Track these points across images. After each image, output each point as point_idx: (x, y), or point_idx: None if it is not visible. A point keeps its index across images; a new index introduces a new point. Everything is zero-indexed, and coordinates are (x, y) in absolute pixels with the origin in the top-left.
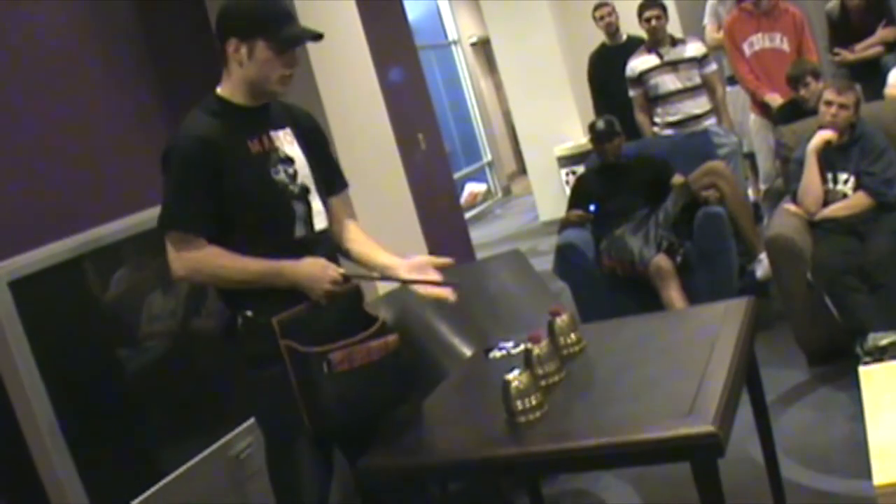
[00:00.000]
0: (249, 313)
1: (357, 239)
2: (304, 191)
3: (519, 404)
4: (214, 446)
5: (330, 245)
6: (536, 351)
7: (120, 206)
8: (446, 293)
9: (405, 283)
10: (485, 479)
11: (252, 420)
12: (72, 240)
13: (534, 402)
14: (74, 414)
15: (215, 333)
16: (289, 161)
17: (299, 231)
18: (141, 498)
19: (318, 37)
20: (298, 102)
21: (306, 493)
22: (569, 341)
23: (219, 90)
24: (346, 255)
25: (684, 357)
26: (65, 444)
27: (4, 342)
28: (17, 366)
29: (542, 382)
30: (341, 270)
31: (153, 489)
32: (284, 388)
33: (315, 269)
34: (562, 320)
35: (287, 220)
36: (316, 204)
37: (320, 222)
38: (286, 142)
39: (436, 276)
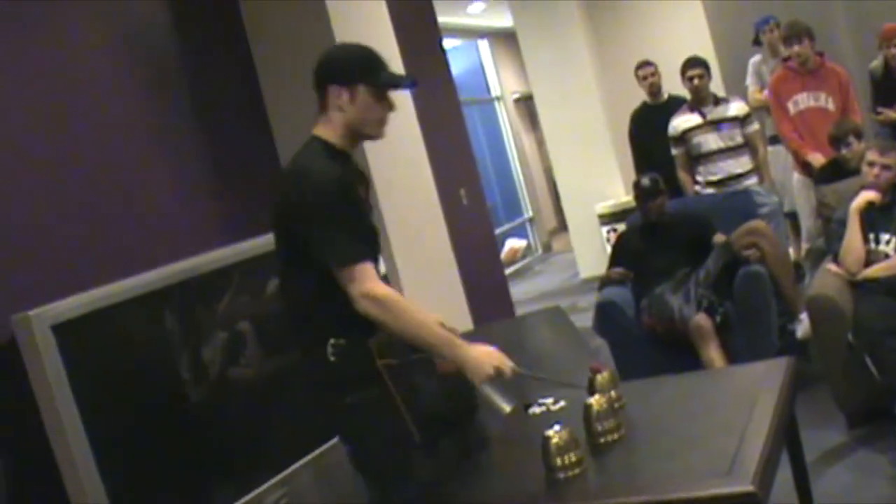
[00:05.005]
0: (341, 340)
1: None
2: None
3: (558, 461)
4: (249, 496)
5: None
6: (595, 407)
7: (163, 254)
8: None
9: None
10: None
11: (286, 472)
12: (116, 285)
13: (573, 459)
14: (113, 460)
15: (296, 366)
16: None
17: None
18: None
19: (414, 82)
20: None
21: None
22: (610, 398)
23: (320, 134)
24: None
25: (724, 416)
26: (103, 490)
27: (47, 385)
28: (59, 409)
29: (601, 440)
30: (511, 365)
31: None
32: (387, 405)
33: (484, 358)
34: (602, 377)
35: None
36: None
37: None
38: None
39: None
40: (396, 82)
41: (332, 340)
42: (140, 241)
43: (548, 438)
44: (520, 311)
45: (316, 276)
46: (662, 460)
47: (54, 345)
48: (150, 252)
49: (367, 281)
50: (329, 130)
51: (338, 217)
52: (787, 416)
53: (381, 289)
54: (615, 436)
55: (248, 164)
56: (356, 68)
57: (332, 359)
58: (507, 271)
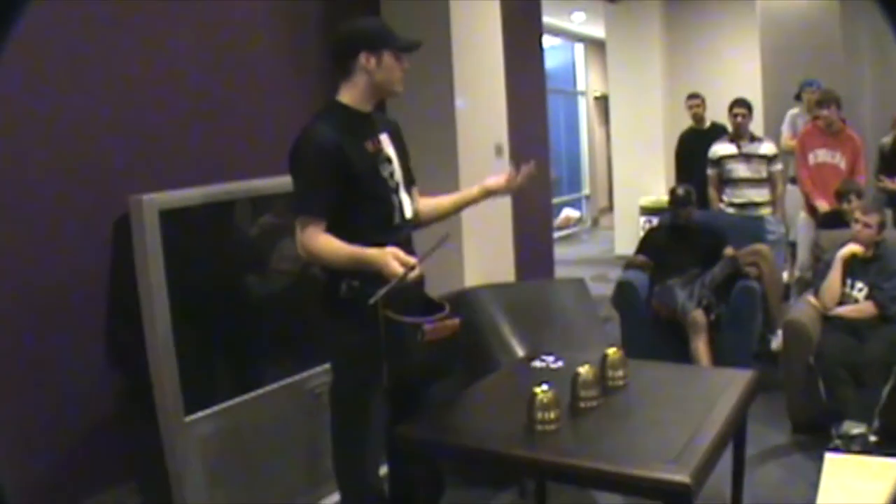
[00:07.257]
0: (355, 283)
1: (429, 202)
2: (397, 186)
3: (539, 415)
4: (298, 377)
5: (409, 234)
6: (583, 375)
7: (266, 170)
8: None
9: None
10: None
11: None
12: (220, 187)
13: (552, 416)
14: (186, 321)
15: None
16: (389, 161)
17: (396, 219)
18: (224, 405)
19: (419, 44)
20: (436, 118)
21: (371, 439)
22: (616, 375)
23: (340, 98)
24: (430, 218)
25: (688, 409)
26: (173, 341)
27: (144, 256)
28: (150, 277)
29: (580, 404)
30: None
31: (237, 399)
32: (373, 349)
33: (382, 254)
34: (614, 352)
35: (389, 210)
36: (404, 196)
37: (408, 212)
38: (386, 144)
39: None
40: (412, 45)
41: (347, 279)
42: (251, 156)
43: (535, 394)
44: (561, 269)
45: (330, 224)
46: (624, 436)
47: (157, 226)
48: (256, 166)
49: (305, 235)
50: (352, 94)
51: (309, 174)
52: (739, 420)
53: (312, 244)
54: (593, 403)
55: None
56: (380, 37)
57: (343, 296)
58: (559, 234)
